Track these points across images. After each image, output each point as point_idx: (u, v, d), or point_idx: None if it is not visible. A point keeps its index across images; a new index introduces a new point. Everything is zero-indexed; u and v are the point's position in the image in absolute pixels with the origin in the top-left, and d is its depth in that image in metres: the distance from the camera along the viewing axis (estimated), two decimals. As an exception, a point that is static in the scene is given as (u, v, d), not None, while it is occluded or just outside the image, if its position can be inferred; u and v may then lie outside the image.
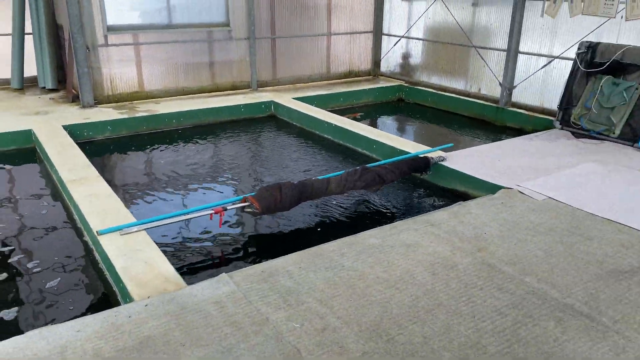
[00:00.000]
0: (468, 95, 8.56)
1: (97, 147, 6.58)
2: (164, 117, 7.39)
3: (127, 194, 5.20)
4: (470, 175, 5.08)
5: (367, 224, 4.66)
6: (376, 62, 10.36)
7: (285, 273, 3.30)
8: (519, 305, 3.02)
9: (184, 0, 8.20)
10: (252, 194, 4.35)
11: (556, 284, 3.25)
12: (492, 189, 4.79)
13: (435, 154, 5.57)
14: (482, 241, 3.77)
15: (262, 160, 6.38)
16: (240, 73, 8.95)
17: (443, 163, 5.35)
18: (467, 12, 8.44)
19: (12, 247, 4.14)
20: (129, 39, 7.86)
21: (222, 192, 5.40)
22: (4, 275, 3.76)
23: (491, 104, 8.05)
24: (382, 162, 5.34)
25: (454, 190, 5.25)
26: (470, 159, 5.50)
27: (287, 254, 3.59)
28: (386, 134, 6.52)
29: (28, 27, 8.44)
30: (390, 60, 10.20)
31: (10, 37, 8.45)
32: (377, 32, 10.15)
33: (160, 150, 6.62)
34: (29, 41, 8.48)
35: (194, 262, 4.02)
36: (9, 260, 3.93)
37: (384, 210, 4.98)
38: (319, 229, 4.58)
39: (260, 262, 3.54)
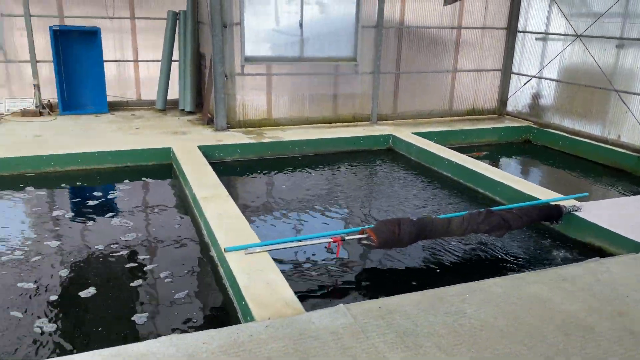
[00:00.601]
0: (605, 141, 7.91)
1: (227, 167, 7.01)
2: (287, 144, 7.71)
3: (251, 214, 5.44)
4: (609, 229, 4.64)
5: (488, 271, 4.44)
6: (502, 101, 10.00)
7: (403, 312, 3.22)
8: (670, 384, 2.66)
9: (316, 35, 8.58)
10: (371, 226, 4.34)
11: None
12: (635, 247, 4.32)
13: (568, 202, 5.18)
14: (624, 305, 3.40)
15: (377, 193, 6.37)
16: (362, 106, 9.10)
17: (577, 213, 4.95)
18: (609, 53, 7.87)
19: (148, 256, 4.50)
20: (263, 70, 8.38)
21: (336, 221, 5.47)
22: (140, 281, 4.09)
23: (633, 153, 7.35)
24: (509, 206, 5.08)
25: (588, 244, 4.82)
26: (609, 212, 5.03)
27: (403, 292, 3.51)
28: (512, 177, 6.20)
29: (174, 55, 9.34)
30: (519, 99, 9.78)
31: (159, 63, 9.41)
32: (506, 71, 9.81)
33: (283, 176, 6.89)
34: (173, 67, 9.39)
35: (310, 287, 4.07)
36: (145, 268, 4.28)
37: (507, 258, 4.71)
38: (437, 270, 4.43)
39: (375, 296, 3.50)
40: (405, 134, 8.24)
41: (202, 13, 8.88)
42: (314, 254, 4.55)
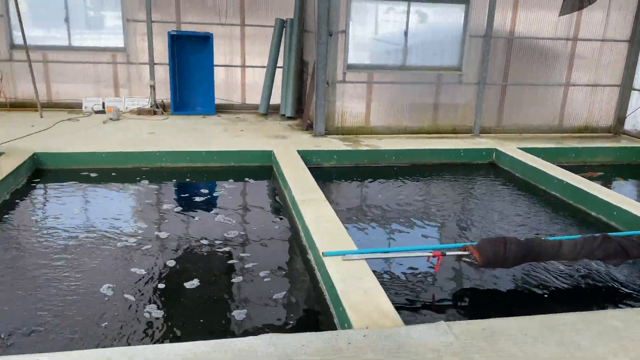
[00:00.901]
0: None
1: (323, 172, 7.08)
2: (384, 153, 7.65)
3: (345, 220, 5.43)
4: None
5: (593, 299, 4.09)
6: (620, 119, 9.23)
7: (509, 337, 3.04)
8: None
9: (418, 44, 8.46)
10: (474, 243, 4.16)
11: None
12: None
13: (700, 234, 4.64)
14: None
15: (477, 209, 6.11)
16: (464, 117, 8.82)
17: None
18: None
19: (249, 254, 4.64)
20: (364, 77, 8.40)
21: (432, 235, 5.31)
22: (240, 277, 4.22)
23: None
24: (628, 233, 4.65)
25: None
26: None
27: (504, 314, 3.33)
28: (632, 201, 5.68)
29: (279, 62, 9.63)
30: (639, 118, 8.98)
31: (264, 69, 9.75)
32: (626, 87, 9.06)
33: (378, 184, 6.83)
34: (277, 74, 9.67)
35: (406, 299, 3.98)
36: (246, 266, 4.41)
37: (622, 289, 4.30)
38: (545, 296, 4.14)
39: (473, 315, 3.34)
40: (511, 148, 7.86)
41: (308, 21, 9.08)
42: (411, 266, 4.44)
